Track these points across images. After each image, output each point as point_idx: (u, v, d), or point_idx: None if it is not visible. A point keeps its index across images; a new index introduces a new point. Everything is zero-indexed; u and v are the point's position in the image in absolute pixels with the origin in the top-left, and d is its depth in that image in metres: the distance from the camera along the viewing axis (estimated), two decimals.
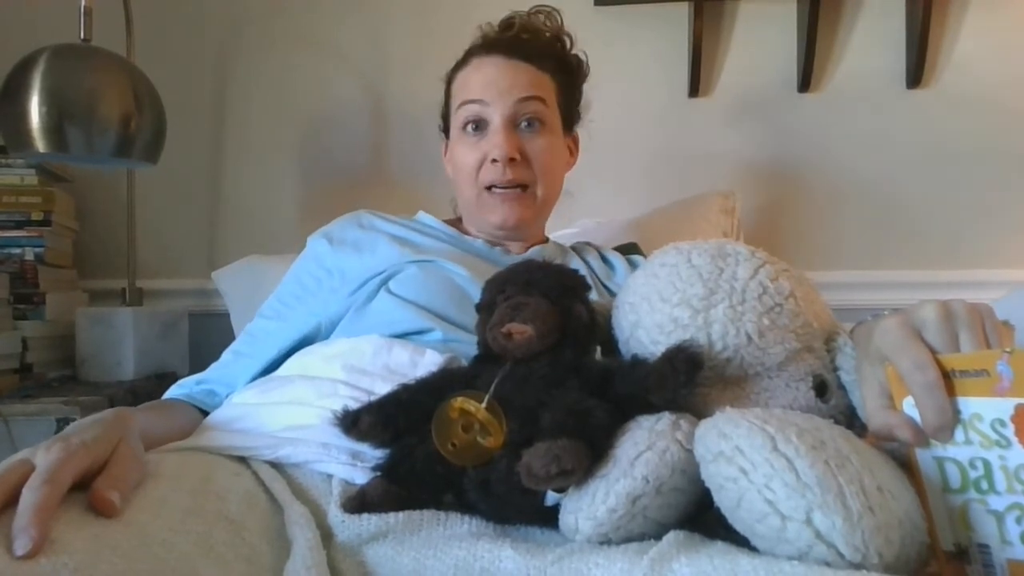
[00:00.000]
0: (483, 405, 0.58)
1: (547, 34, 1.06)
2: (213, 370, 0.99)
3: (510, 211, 0.99)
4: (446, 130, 1.10)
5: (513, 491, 0.56)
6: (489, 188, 0.99)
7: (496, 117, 0.97)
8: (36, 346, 1.51)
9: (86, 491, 0.51)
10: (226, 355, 1.01)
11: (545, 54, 1.03)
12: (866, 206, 1.70)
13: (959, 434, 0.53)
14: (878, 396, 0.57)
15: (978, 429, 0.52)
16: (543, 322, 0.63)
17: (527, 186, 0.99)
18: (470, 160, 0.99)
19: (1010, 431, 0.51)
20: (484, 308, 0.69)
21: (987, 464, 0.52)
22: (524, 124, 0.98)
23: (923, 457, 0.54)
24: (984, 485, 0.52)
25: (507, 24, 1.05)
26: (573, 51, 1.09)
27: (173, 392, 0.97)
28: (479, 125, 0.99)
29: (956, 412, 0.53)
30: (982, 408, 0.52)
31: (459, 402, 0.59)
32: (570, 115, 1.09)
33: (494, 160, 0.97)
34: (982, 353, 0.53)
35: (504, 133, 0.96)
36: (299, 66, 1.78)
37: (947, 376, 0.53)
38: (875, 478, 0.48)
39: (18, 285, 1.51)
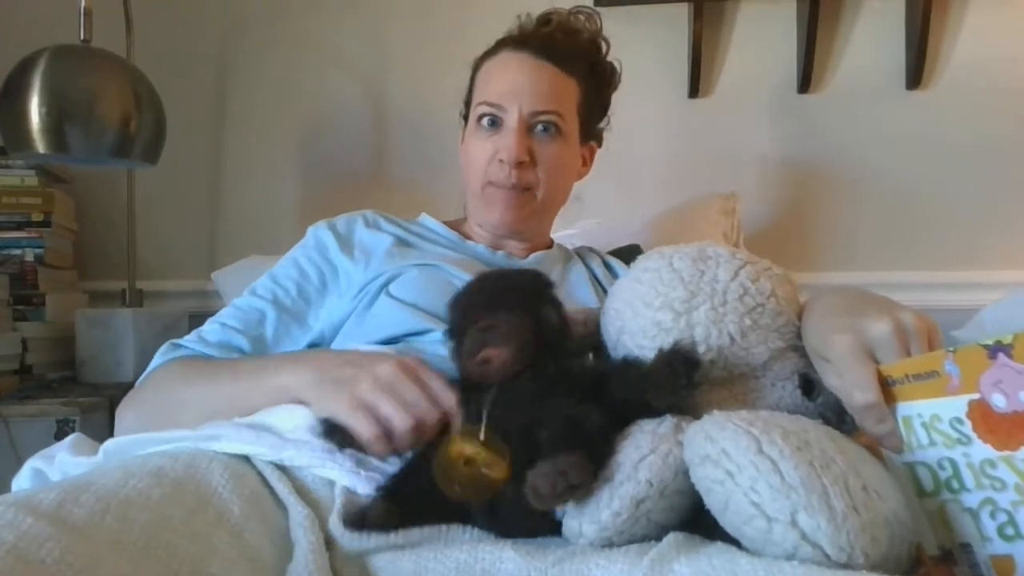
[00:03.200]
0: (481, 437, 0.57)
1: (584, 36, 1.03)
2: (209, 344, 0.93)
3: (506, 211, 0.98)
4: (466, 117, 1.08)
5: (521, 514, 0.56)
6: (494, 184, 0.98)
7: (512, 119, 0.96)
8: (36, 347, 1.51)
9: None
10: (211, 324, 0.95)
11: (576, 58, 1.01)
12: (866, 206, 1.70)
13: (923, 437, 0.53)
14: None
15: (939, 430, 0.53)
16: (516, 339, 0.62)
17: (529, 188, 0.98)
18: (481, 155, 0.98)
19: (968, 427, 0.51)
20: (455, 334, 0.68)
21: (954, 463, 0.52)
22: (540, 128, 0.97)
23: (893, 463, 0.55)
24: (955, 484, 0.52)
25: (545, 19, 1.03)
26: (607, 58, 1.06)
27: (172, 353, 0.93)
28: (495, 121, 0.98)
29: (909, 417, 0.54)
30: (939, 409, 0.53)
31: (458, 447, 0.57)
32: (590, 123, 1.06)
33: (501, 160, 0.96)
34: (928, 355, 0.54)
35: (516, 135, 0.95)
36: (299, 67, 1.79)
37: (900, 381, 0.54)
38: (861, 478, 0.49)
39: (18, 286, 1.51)
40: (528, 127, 0.97)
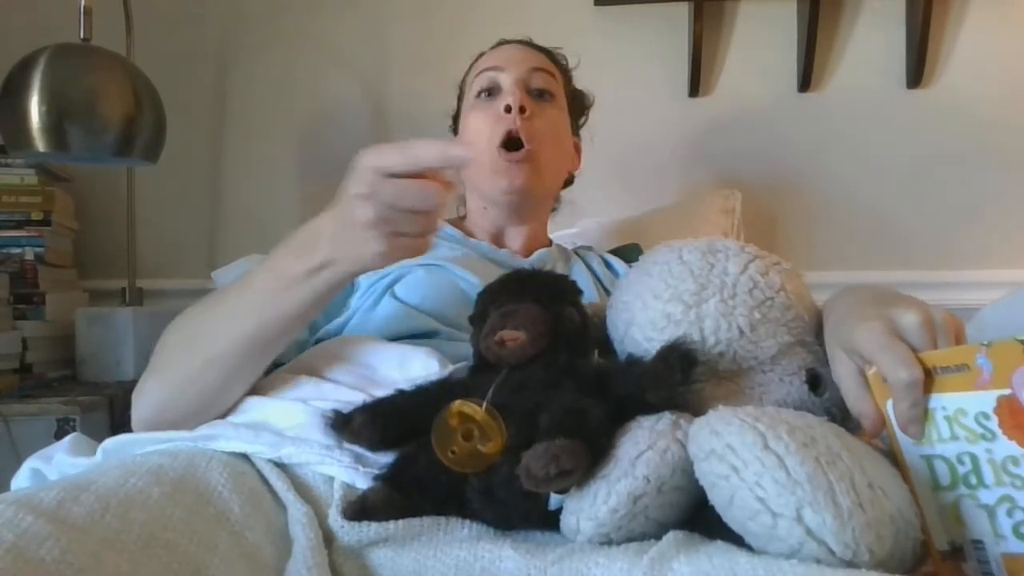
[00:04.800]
0: (482, 408, 0.59)
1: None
2: None
3: (517, 174, 0.98)
4: (455, 129, 1.13)
5: (516, 496, 0.56)
6: (502, 148, 0.98)
7: (508, 80, 1.01)
8: (36, 346, 1.51)
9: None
10: None
11: (558, 63, 1.11)
12: (866, 206, 1.70)
13: (945, 430, 0.53)
14: (855, 376, 0.58)
15: (963, 424, 0.52)
16: (534, 327, 0.63)
17: (532, 146, 0.98)
18: (483, 124, 1.01)
19: (994, 423, 0.51)
20: (477, 319, 0.70)
21: (974, 458, 0.52)
22: (536, 91, 1.02)
23: (911, 455, 0.55)
24: (973, 480, 0.52)
25: (526, 42, 1.12)
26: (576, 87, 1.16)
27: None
28: (492, 92, 1.03)
29: (932, 409, 0.53)
30: (965, 403, 0.52)
31: (457, 406, 0.59)
32: (575, 116, 1.13)
33: (507, 109, 0.98)
34: (960, 348, 0.54)
35: (517, 90, 1.00)
36: (299, 66, 1.79)
37: (928, 373, 0.54)
38: (866, 475, 0.48)
39: (18, 285, 1.51)
40: (526, 87, 1.01)
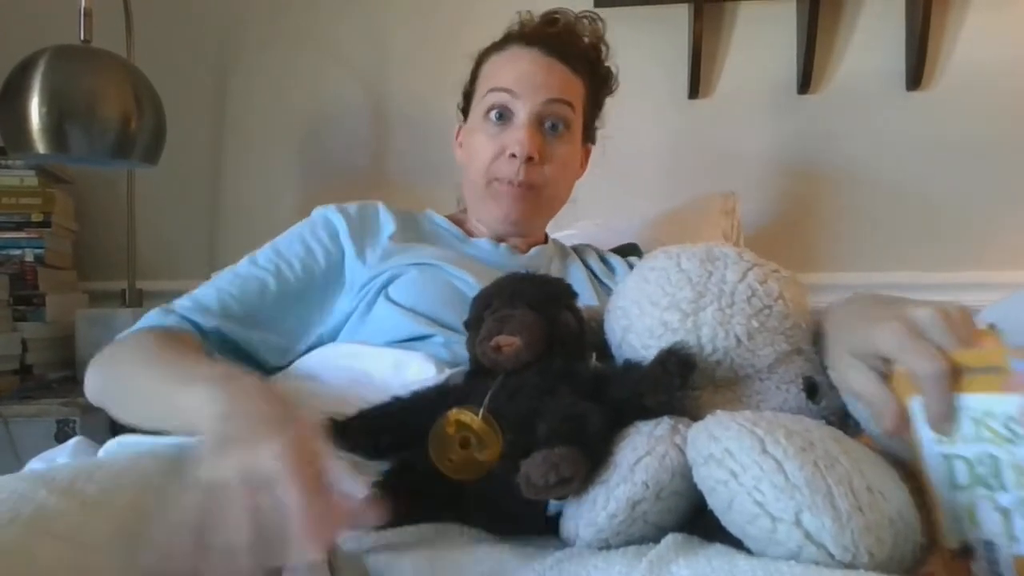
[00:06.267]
0: (479, 416, 0.58)
1: (586, 39, 1.03)
2: (208, 312, 0.88)
3: (513, 206, 0.96)
4: (465, 111, 1.07)
5: (513, 503, 0.56)
6: (499, 180, 0.96)
7: (523, 112, 0.94)
8: (36, 347, 1.51)
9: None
10: (207, 289, 0.91)
11: (581, 58, 1.01)
12: (865, 207, 1.69)
13: (969, 430, 0.52)
14: (874, 378, 0.56)
15: (989, 425, 0.52)
16: (530, 332, 0.63)
17: (534, 186, 0.97)
18: (487, 151, 0.96)
19: (1022, 427, 0.50)
20: (472, 324, 0.69)
21: (996, 460, 0.51)
22: (549, 125, 0.96)
23: (931, 454, 0.54)
24: (992, 481, 0.51)
25: (550, 20, 1.02)
26: (607, 63, 1.07)
27: (159, 320, 0.87)
28: (503, 115, 0.96)
29: (962, 408, 0.53)
30: (993, 404, 0.51)
31: (454, 414, 0.59)
32: (591, 124, 1.07)
33: (512, 155, 0.94)
34: (990, 350, 0.53)
35: (529, 130, 0.94)
36: (299, 66, 1.79)
37: (955, 373, 0.53)
38: (865, 478, 0.48)
39: (18, 286, 1.51)
40: (539, 122, 0.95)
